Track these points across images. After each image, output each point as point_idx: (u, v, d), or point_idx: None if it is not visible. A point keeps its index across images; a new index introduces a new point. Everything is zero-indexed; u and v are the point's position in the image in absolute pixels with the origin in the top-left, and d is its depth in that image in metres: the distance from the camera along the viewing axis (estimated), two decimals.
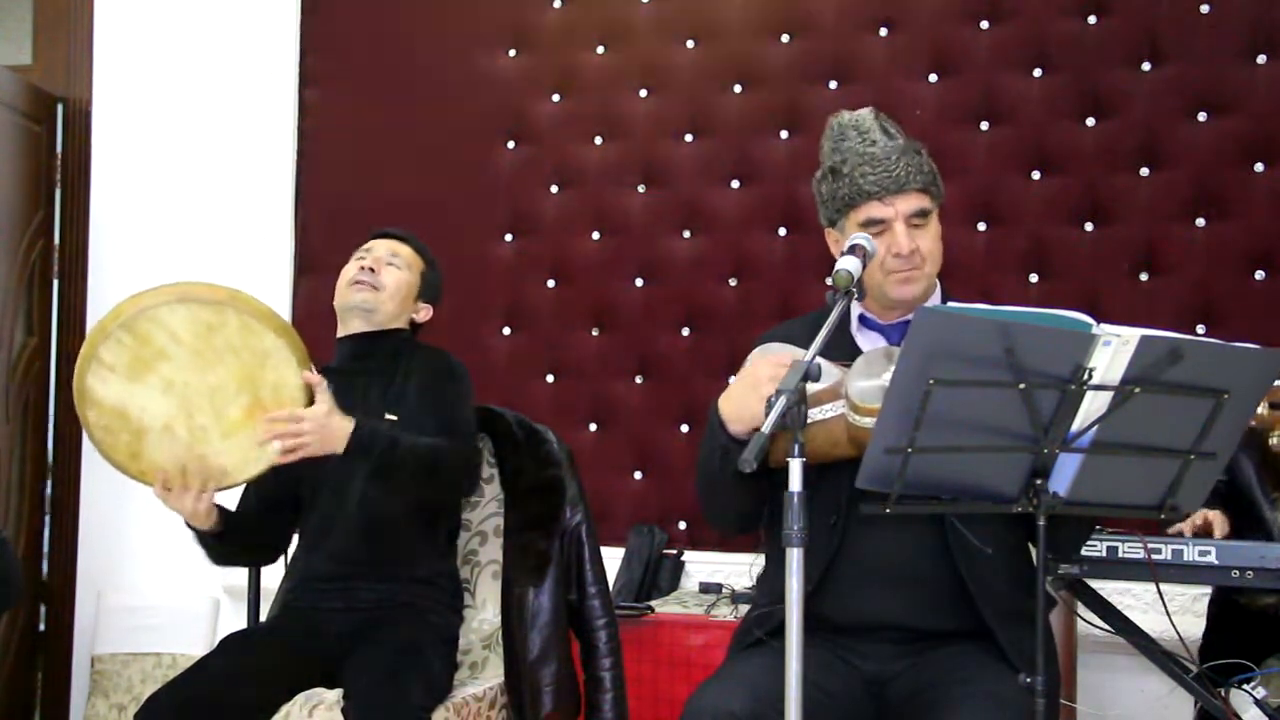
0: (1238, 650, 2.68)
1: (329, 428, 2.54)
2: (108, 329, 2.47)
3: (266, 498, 2.81)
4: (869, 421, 2.02)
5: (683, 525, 4.00)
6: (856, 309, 2.36)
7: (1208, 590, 3.14)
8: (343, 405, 2.61)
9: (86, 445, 4.39)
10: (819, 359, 1.96)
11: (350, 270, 2.89)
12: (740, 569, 3.73)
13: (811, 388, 1.99)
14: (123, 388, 2.49)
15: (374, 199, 4.20)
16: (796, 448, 1.88)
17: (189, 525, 2.68)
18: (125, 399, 2.50)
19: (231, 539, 2.74)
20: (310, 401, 2.55)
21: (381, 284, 2.86)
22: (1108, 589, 2.83)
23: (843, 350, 2.25)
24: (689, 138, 4.10)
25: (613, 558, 3.48)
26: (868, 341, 2.35)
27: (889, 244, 2.26)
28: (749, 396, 2.13)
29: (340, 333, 2.91)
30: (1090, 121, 3.78)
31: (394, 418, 2.73)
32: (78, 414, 2.53)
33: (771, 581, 2.34)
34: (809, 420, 2.01)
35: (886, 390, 1.98)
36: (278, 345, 2.53)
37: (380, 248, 2.92)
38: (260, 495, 2.81)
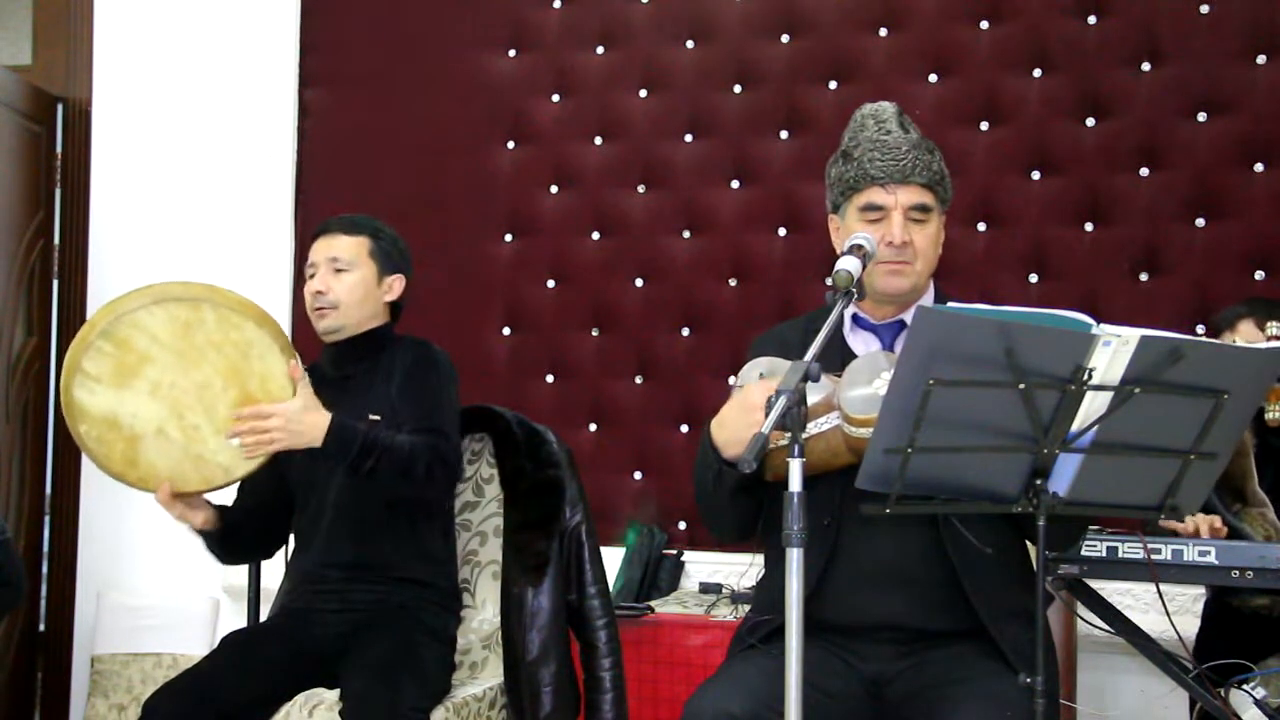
0: (1232, 652, 2.69)
1: (302, 423, 2.54)
2: (87, 339, 2.46)
3: (258, 496, 2.82)
4: (865, 432, 2.02)
5: (683, 525, 4.00)
6: (849, 309, 2.36)
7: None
8: (333, 404, 2.61)
9: None
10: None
11: (306, 296, 2.85)
12: (740, 569, 3.73)
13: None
14: (110, 396, 2.48)
15: (374, 199, 4.19)
16: (796, 448, 1.88)
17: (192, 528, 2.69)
18: (114, 407, 2.49)
19: (232, 535, 2.75)
20: (295, 392, 2.56)
21: (336, 300, 2.81)
22: (1108, 589, 2.83)
23: (834, 353, 2.24)
24: (689, 138, 4.10)
25: (612, 558, 3.48)
26: (859, 342, 2.35)
27: (884, 232, 2.26)
28: (741, 421, 2.12)
29: (324, 339, 2.90)
30: (1090, 121, 3.78)
31: (377, 418, 2.72)
32: (70, 430, 2.52)
33: (768, 589, 2.35)
34: (804, 435, 2.00)
35: (878, 397, 1.99)
36: (259, 335, 2.52)
37: (320, 256, 2.85)
38: (252, 493, 2.81)
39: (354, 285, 2.83)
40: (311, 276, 2.85)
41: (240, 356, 2.52)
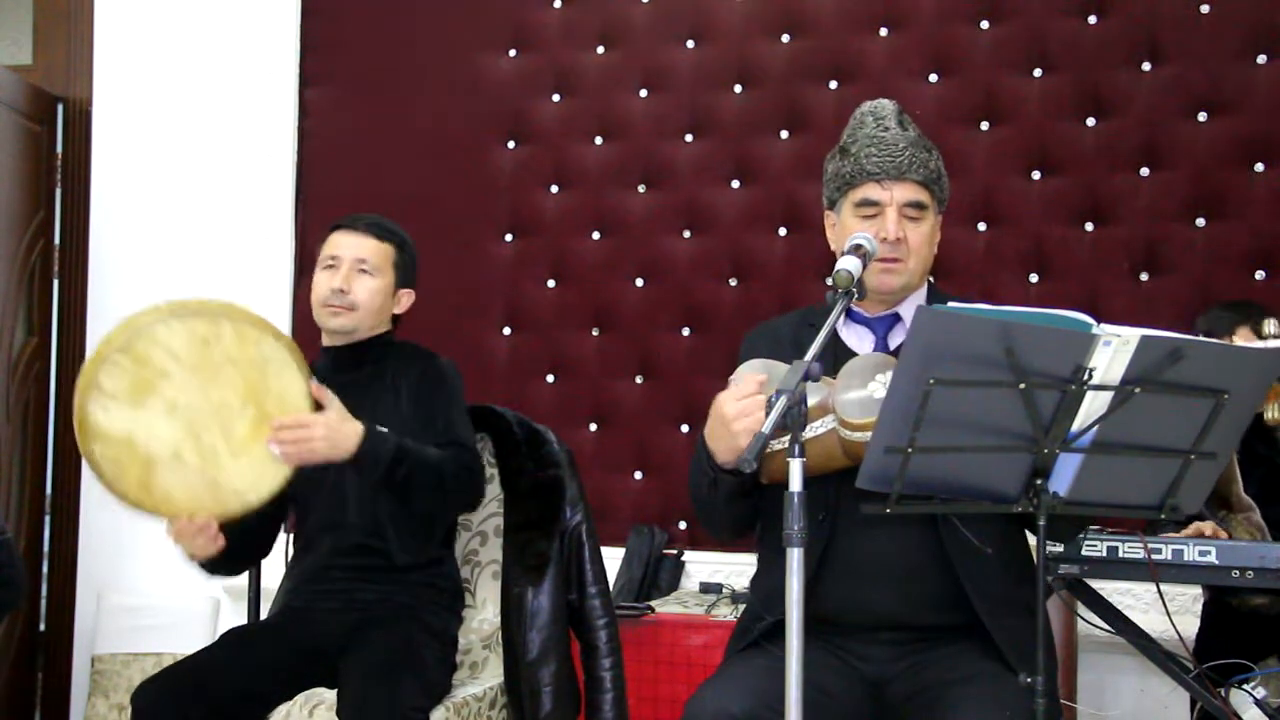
0: (1232, 652, 2.69)
1: (340, 432, 2.51)
2: (104, 355, 2.39)
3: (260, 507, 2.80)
4: (861, 436, 2.02)
5: (683, 525, 4.00)
6: None
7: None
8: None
9: None
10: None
11: (321, 288, 2.78)
12: (740, 569, 3.72)
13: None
14: (126, 414, 2.40)
15: (374, 199, 4.17)
16: (796, 448, 1.88)
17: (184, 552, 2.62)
18: (130, 426, 2.41)
19: (229, 553, 2.69)
20: (316, 408, 2.52)
21: (356, 303, 2.78)
22: (1108, 589, 2.83)
23: (828, 347, 2.22)
24: (689, 138, 4.10)
25: (613, 558, 3.48)
26: (853, 336, 2.35)
27: (878, 229, 2.26)
28: (721, 433, 2.11)
29: (324, 341, 2.87)
30: (1090, 121, 3.78)
31: (384, 429, 2.70)
32: (82, 451, 2.42)
33: (763, 584, 2.35)
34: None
35: (874, 401, 1.99)
36: (276, 350, 2.48)
37: (346, 253, 2.79)
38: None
39: (375, 291, 2.80)
40: (330, 269, 2.79)
41: (258, 374, 2.46)
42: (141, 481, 2.45)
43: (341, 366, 2.83)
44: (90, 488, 4.39)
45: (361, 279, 2.79)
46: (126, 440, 2.42)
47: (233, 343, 2.44)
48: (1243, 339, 2.99)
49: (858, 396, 2.06)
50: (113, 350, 2.39)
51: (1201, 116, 3.71)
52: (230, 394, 2.45)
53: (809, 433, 2.10)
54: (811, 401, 2.07)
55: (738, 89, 4.07)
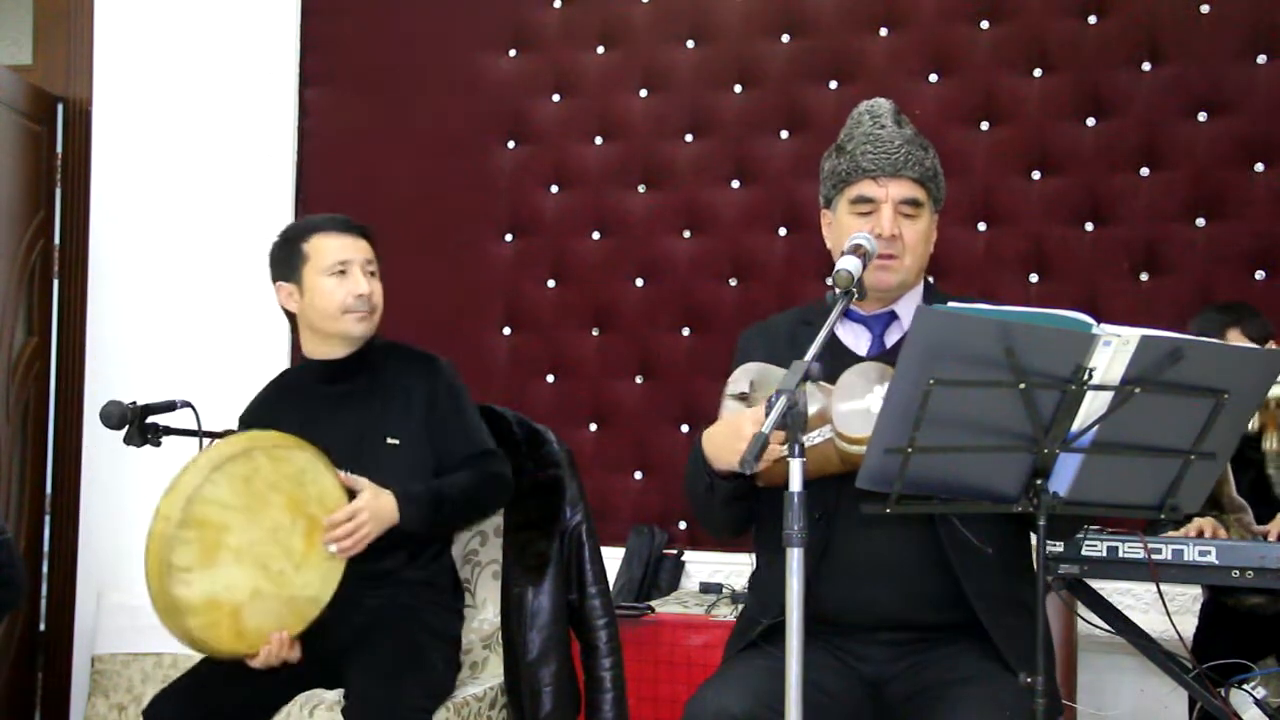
0: (1230, 652, 2.69)
1: (381, 507, 2.58)
2: (165, 533, 2.40)
3: None
4: (858, 449, 2.02)
5: (683, 525, 4.00)
6: None
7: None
8: (337, 425, 2.63)
9: (87, 445, 4.39)
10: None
11: (338, 294, 2.73)
12: (740, 569, 3.72)
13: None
14: (204, 578, 2.43)
15: (374, 199, 4.20)
16: (796, 447, 1.88)
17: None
18: (209, 588, 2.44)
19: None
20: (350, 496, 2.58)
21: (376, 305, 2.77)
22: (1108, 589, 2.83)
23: (824, 346, 2.23)
24: (689, 138, 4.10)
25: (613, 558, 3.48)
26: (849, 334, 2.35)
27: (874, 225, 2.26)
28: (729, 445, 2.12)
29: (317, 352, 2.81)
30: (1090, 121, 3.78)
31: (395, 441, 2.71)
32: (173, 629, 2.44)
33: (760, 586, 2.36)
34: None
35: (871, 414, 1.99)
36: (306, 459, 2.54)
37: (356, 257, 2.75)
38: None
39: (380, 292, 2.81)
40: (341, 274, 2.74)
41: (295, 486, 2.52)
42: (235, 631, 2.48)
43: (334, 377, 2.80)
44: (90, 487, 4.40)
45: (374, 281, 2.80)
46: (211, 602, 2.45)
47: (269, 467, 2.50)
48: (1234, 341, 3.00)
49: (856, 409, 2.06)
50: (174, 526, 2.40)
51: (1201, 116, 3.71)
52: (279, 515, 2.51)
53: (807, 441, 2.09)
54: (811, 410, 2.07)
55: (738, 89, 4.07)
